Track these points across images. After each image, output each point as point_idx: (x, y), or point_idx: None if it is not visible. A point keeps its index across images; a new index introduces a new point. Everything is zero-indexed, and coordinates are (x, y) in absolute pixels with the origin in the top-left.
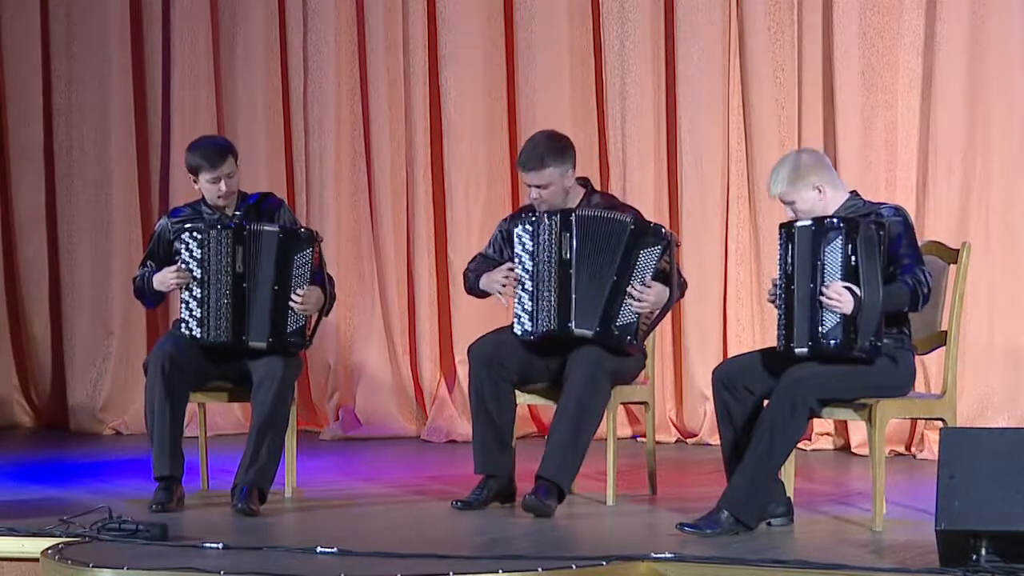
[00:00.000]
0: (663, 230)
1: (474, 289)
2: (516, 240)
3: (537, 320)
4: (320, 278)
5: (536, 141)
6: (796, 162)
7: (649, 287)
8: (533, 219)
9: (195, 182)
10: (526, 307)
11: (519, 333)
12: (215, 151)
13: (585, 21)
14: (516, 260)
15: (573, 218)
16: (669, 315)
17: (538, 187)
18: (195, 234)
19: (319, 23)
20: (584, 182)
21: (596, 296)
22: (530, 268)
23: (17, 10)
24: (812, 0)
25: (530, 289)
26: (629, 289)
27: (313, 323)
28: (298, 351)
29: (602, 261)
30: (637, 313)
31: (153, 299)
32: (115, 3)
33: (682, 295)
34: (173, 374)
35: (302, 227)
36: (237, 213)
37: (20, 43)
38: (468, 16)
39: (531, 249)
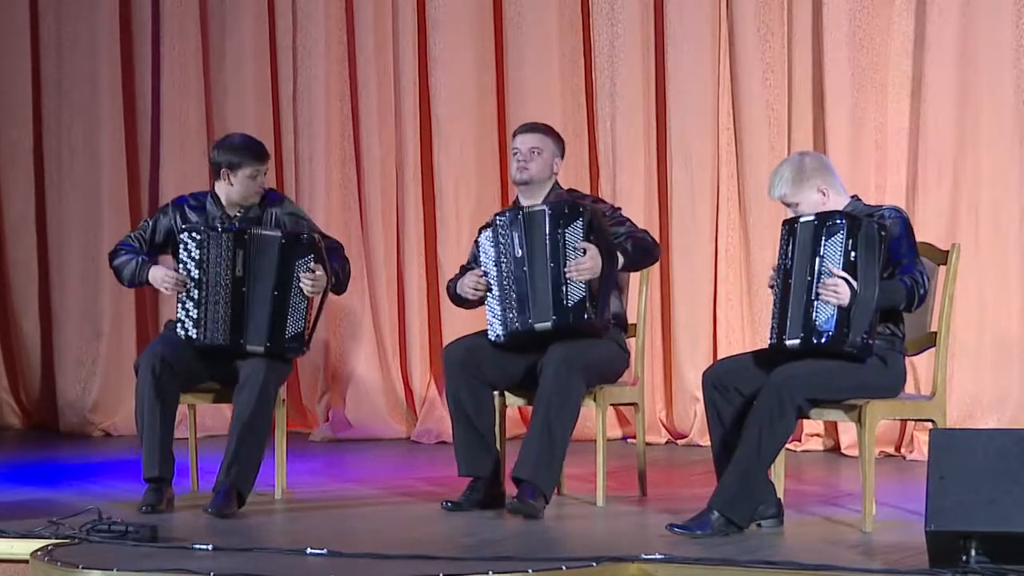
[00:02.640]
0: (581, 206)
1: (456, 300)
2: (480, 249)
3: (505, 323)
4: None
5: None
6: (800, 164)
7: (584, 259)
8: (490, 224)
9: (224, 178)
10: (495, 312)
11: (493, 339)
12: (259, 146)
13: (575, 24)
14: (483, 268)
15: (521, 216)
16: (659, 315)
17: (530, 148)
18: (195, 234)
19: (309, 24)
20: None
21: (544, 287)
22: (494, 273)
23: (6, 12)
24: (802, 2)
25: (496, 294)
26: (565, 270)
27: (312, 322)
28: (295, 356)
29: (541, 252)
30: (583, 286)
31: (133, 284)
32: (104, 5)
33: (639, 251)
34: (164, 376)
35: (304, 234)
36: (239, 213)
37: (9, 45)
38: (458, 18)
39: (493, 255)
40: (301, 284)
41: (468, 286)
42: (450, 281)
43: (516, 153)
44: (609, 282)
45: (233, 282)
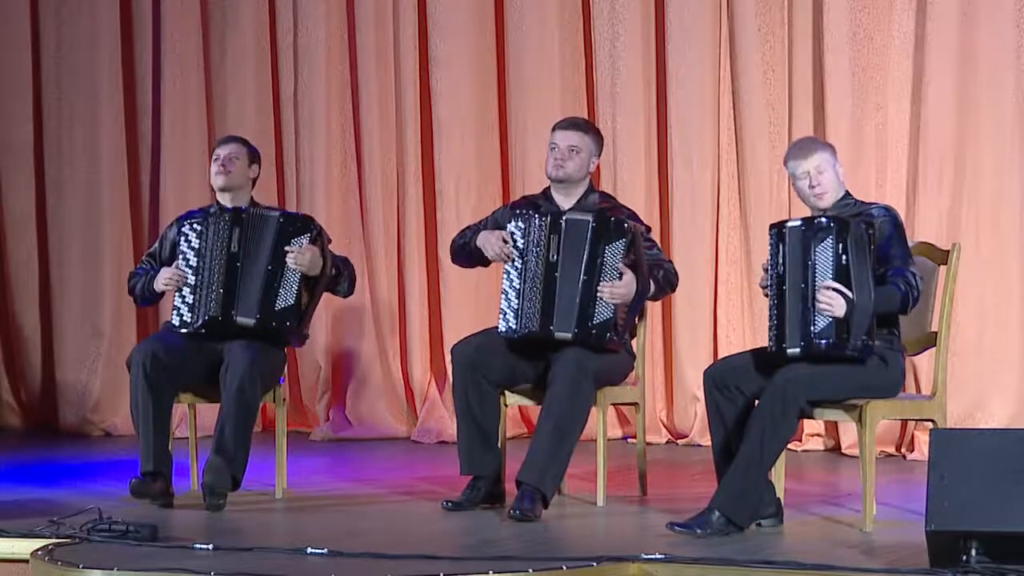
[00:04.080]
0: (626, 224)
1: (464, 251)
2: (508, 235)
3: (521, 320)
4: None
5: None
6: (829, 147)
7: (619, 281)
8: (525, 216)
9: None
10: (512, 305)
11: (503, 330)
12: (226, 136)
13: (576, 22)
14: (510, 245)
15: (563, 221)
16: (660, 315)
17: (568, 147)
18: (195, 225)
19: (310, 24)
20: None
21: (572, 297)
22: (519, 266)
23: (6, 11)
24: (802, 2)
25: (518, 287)
26: (599, 287)
27: (307, 304)
28: (288, 332)
29: (575, 261)
30: (612, 308)
31: (147, 300)
32: (105, 5)
33: (666, 283)
34: (154, 372)
35: (303, 214)
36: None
37: (10, 44)
38: (459, 17)
39: (521, 247)
40: (287, 257)
41: (493, 244)
42: (458, 235)
43: (554, 148)
44: (636, 307)
45: (228, 257)
